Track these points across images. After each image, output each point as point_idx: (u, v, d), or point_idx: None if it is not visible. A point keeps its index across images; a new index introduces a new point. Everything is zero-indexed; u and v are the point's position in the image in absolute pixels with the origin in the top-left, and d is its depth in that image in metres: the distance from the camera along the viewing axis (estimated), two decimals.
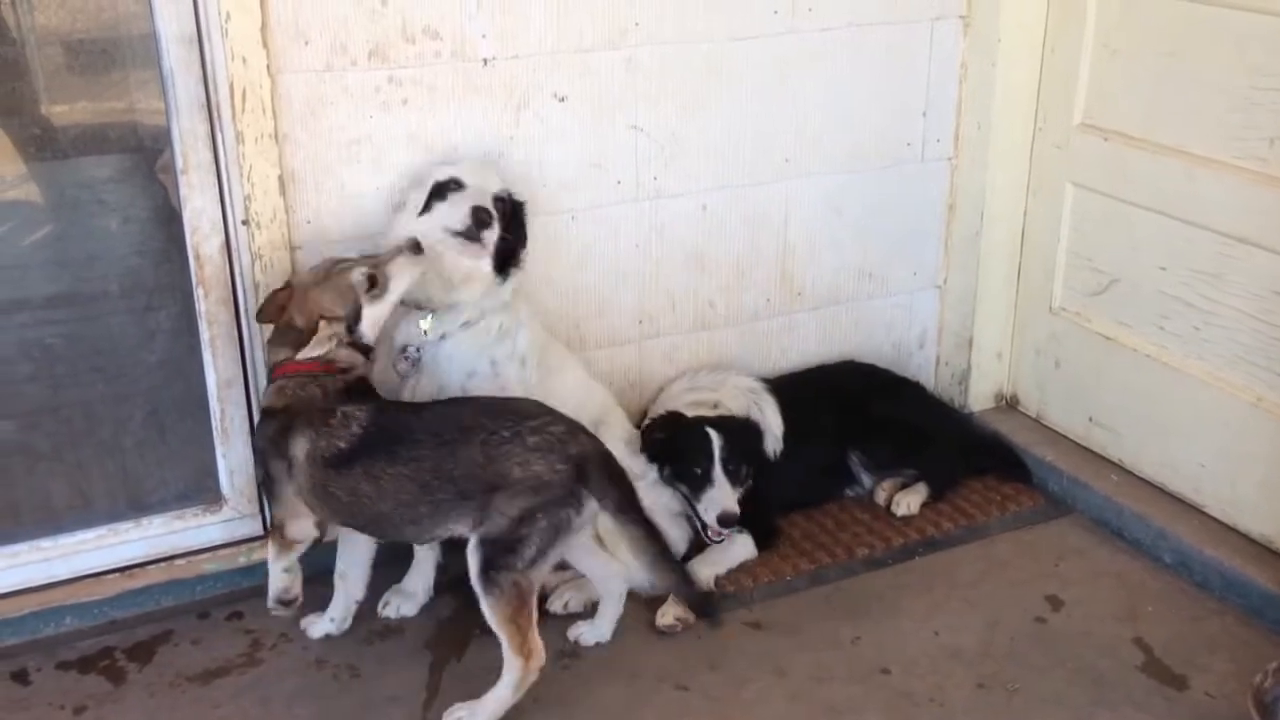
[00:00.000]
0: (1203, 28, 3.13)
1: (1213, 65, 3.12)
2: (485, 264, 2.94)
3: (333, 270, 2.82)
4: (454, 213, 2.90)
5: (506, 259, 2.99)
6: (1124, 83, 3.37)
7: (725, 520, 3.15)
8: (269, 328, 2.90)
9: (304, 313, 2.79)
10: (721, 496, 3.17)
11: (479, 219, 2.87)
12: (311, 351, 2.75)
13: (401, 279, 2.81)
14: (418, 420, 2.76)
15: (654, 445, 3.26)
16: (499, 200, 2.96)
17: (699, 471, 3.19)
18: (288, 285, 2.86)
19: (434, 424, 2.73)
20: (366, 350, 2.85)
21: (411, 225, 2.92)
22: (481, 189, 2.94)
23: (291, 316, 2.81)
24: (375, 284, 2.78)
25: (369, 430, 2.73)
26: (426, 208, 2.93)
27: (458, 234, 2.89)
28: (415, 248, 2.81)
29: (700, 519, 3.21)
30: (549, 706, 2.82)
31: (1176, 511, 3.37)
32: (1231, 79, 3.08)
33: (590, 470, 2.68)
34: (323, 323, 2.75)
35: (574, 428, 2.73)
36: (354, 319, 2.78)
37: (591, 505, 2.70)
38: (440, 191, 2.94)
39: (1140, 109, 3.34)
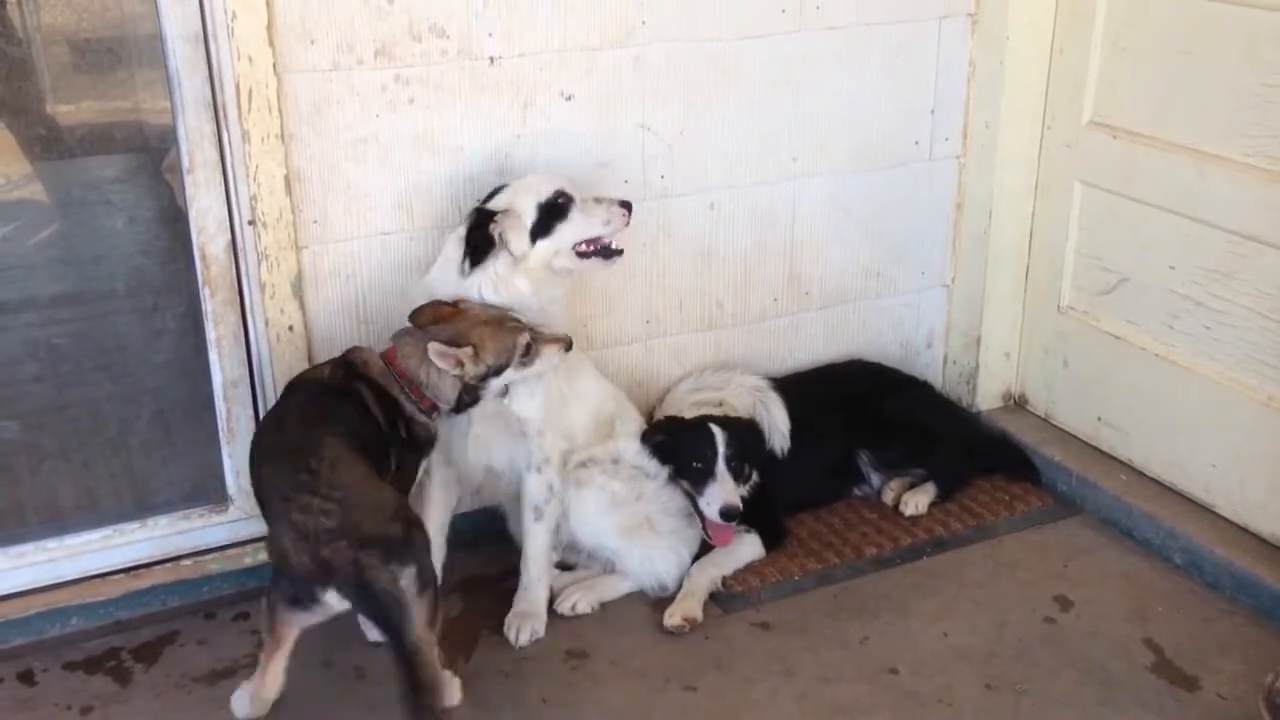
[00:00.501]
0: (1213, 25, 3.12)
1: (1223, 63, 3.11)
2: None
3: (505, 321, 2.81)
4: (589, 222, 2.95)
5: None
6: (1133, 80, 3.36)
7: (727, 513, 3.13)
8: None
9: (458, 336, 2.74)
10: (724, 490, 3.15)
11: (629, 210, 2.99)
12: (435, 357, 2.70)
13: (545, 364, 2.85)
14: (283, 412, 2.73)
15: (656, 447, 3.24)
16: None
17: (701, 466, 3.18)
18: (456, 304, 2.84)
19: (283, 421, 2.70)
20: (475, 398, 2.81)
21: (539, 250, 2.90)
22: (585, 191, 2.99)
23: (442, 329, 2.76)
24: (528, 354, 2.80)
25: (281, 398, 2.82)
26: (545, 230, 2.91)
27: (587, 251, 2.96)
28: (569, 347, 2.87)
29: (701, 515, 3.20)
30: (557, 706, 2.82)
31: (1186, 511, 3.36)
32: (1242, 76, 3.07)
33: (339, 583, 2.46)
34: (469, 349, 2.72)
35: (348, 527, 2.44)
36: (495, 373, 2.79)
37: (325, 610, 2.53)
38: (557, 211, 2.93)
39: (1149, 107, 3.32)
